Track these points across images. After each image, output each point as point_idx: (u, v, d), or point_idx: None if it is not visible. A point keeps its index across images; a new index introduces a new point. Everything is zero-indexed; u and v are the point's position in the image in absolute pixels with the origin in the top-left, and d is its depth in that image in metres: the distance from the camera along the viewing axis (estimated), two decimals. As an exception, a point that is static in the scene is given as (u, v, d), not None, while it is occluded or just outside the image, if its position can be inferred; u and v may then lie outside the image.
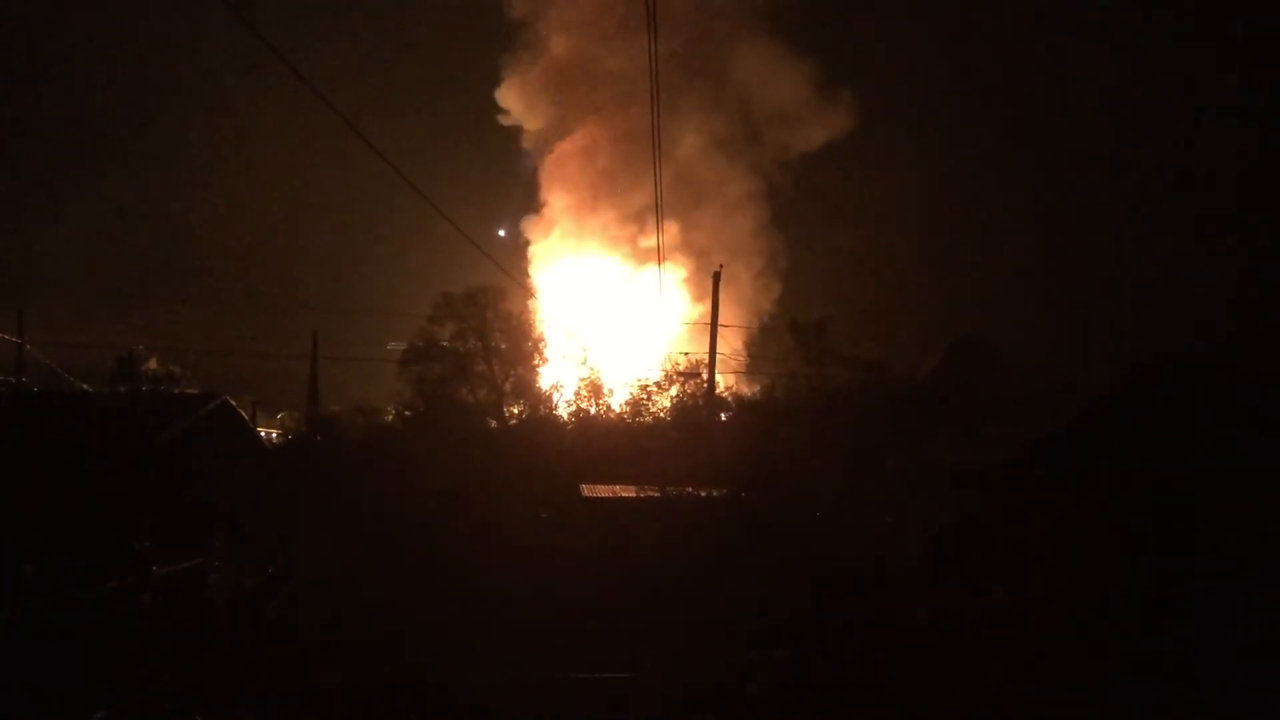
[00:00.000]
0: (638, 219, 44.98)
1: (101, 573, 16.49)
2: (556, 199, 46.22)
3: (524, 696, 13.12)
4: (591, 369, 32.29)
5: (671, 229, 43.88)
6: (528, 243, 46.87)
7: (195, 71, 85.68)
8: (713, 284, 27.70)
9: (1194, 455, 19.28)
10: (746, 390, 32.42)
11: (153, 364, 38.54)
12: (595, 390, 31.19)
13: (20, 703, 11.99)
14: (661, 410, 29.36)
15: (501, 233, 56.70)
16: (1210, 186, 63.83)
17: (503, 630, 15.00)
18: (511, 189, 46.88)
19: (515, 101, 45.75)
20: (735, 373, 32.71)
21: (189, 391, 35.16)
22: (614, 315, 41.50)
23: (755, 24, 45.26)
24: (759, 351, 35.43)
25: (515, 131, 47.41)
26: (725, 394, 30.08)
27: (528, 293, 40.23)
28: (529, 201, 46.95)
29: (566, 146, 46.28)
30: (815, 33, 46.43)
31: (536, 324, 34.97)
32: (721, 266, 28.68)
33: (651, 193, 18.49)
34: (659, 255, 27.18)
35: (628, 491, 22.36)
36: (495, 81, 45.99)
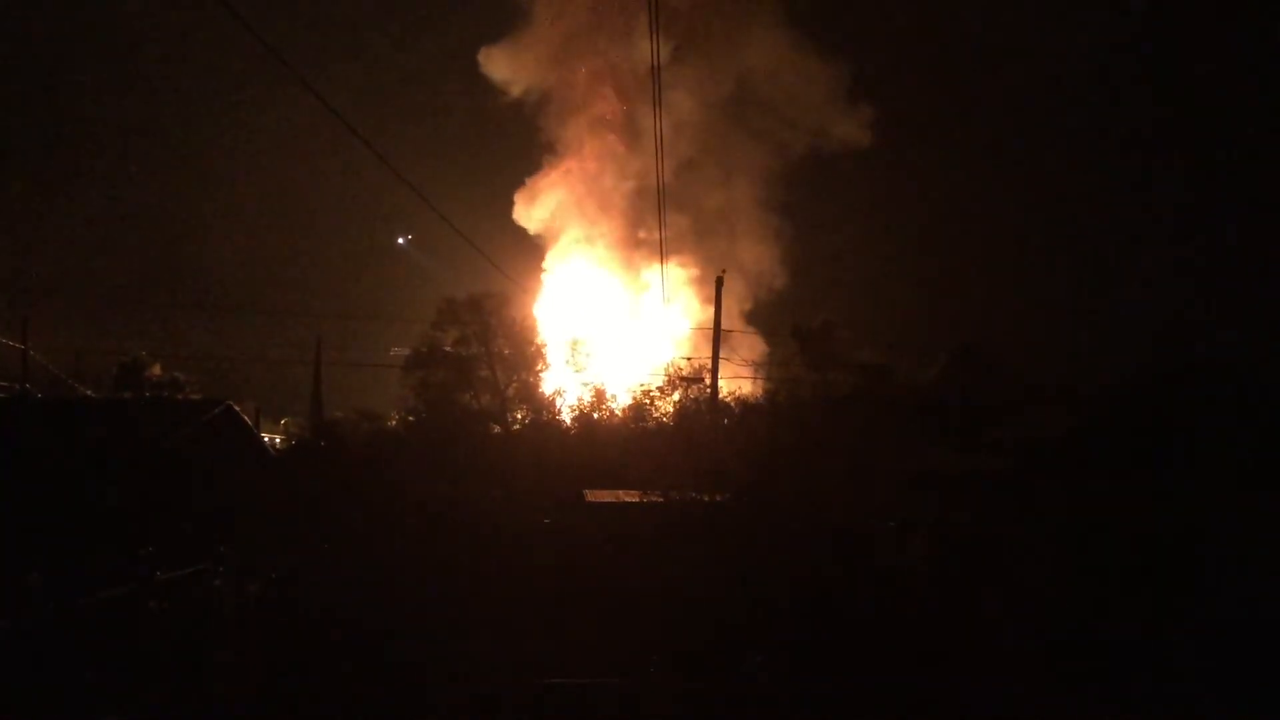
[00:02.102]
0: (640, 218, 44.76)
1: (106, 579, 16.49)
2: (559, 195, 45.92)
3: (528, 702, 13.12)
4: (595, 379, 32.34)
5: (680, 221, 43.60)
6: (539, 238, 46.57)
7: (199, 77, 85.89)
8: (715, 289, 27.70)
9: (1196, 459, 19.27)
10: (750, 385, 32.39)
11: (156, 370, 38.67)
12: (598, 396, 31.23)
13: (28, 710, 12.01)
14: (664, 415, 29.35)
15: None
16: (1215, 189, 63.79)
17: (506, 635, 15.01)
18: (516, 181, 46.22)
19: (515, 78, 45.37)
20: (739, 377, 32.69)
21: (192, 397, 35.25)
22: (617, 317, 41.45)
23: (770, 22, 45.03)
24: (764, 336, 35.39)
25: (523, 131, 47.23)
26: (729, 398, 30.05)
27: (529, 295, 40.26)
28: (533, 198, 46.57)
29: (570, 140, 46.03)
30: (830, 35, 46.18)
31: (539, 328, 35.07)
32: (724, 272, 28.68)
33: (657, 186, 18.63)
34: (661, 255, 27.19)
35: (631, 496, 22.35)
36: (501, 82, 45.85)
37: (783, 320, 40.12)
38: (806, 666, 14.54)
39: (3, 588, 15.91)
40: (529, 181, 45.68)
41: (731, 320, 33.93)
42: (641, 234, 44.57)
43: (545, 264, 45.72)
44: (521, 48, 45.07)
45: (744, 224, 45.18)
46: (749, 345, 36.33)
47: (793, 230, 45.28)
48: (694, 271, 43.39)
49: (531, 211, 45.56)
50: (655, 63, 14.90)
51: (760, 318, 43.47)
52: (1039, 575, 17.29)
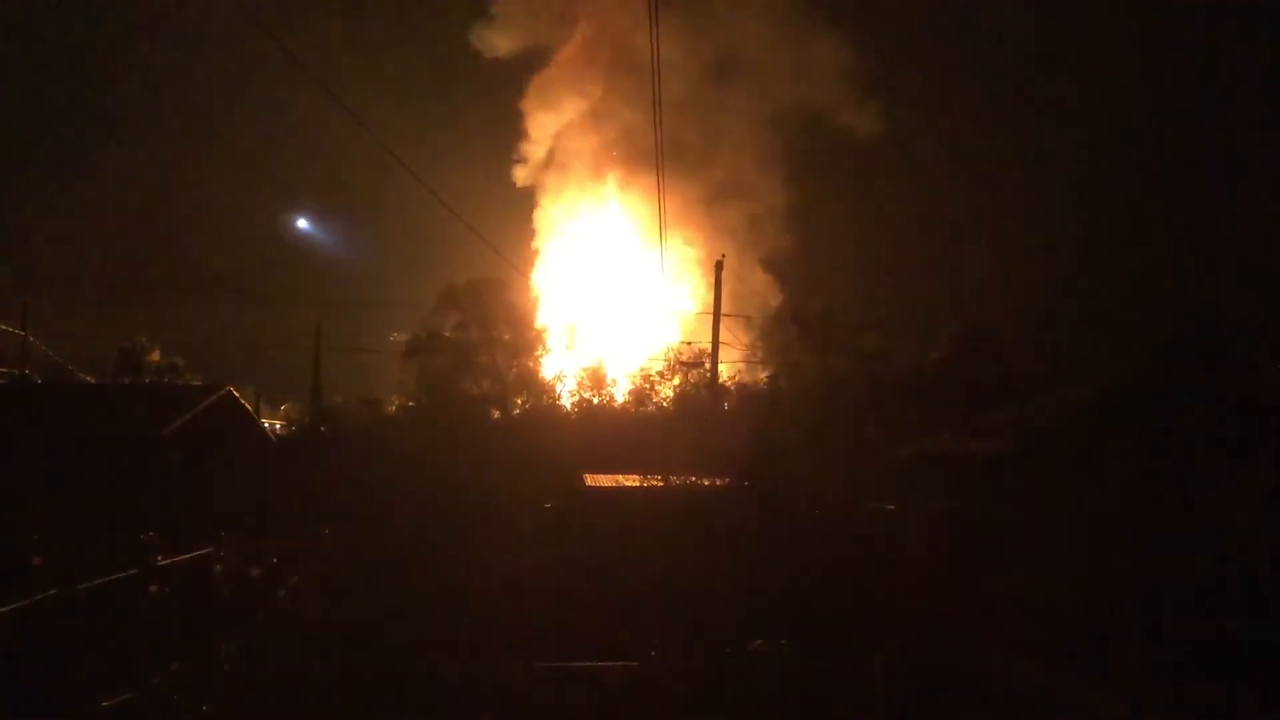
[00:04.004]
0: (637, 187, 44.27)
1: (107, 563, 16.52)
2: (561, 177, 45.53)
3: (528, 687, 13.13)
4: (595, 361, 32.31)
5: (687, 190, 43.14)
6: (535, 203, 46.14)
7: (198, 66, 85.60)
8: (715, 273, 27.62)
9: (1200, 444, 19.22)
10: (747, 369, 32.34)
11: (156, 356, 38.66)
12: (598, 381, 31.21)
13: (30, 692, 12.04)
14: (665, 400, 29.34)
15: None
16: (1218, 174, 63.61)
17: (507, 619, 15.02)
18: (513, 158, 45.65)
19: (506, 46, 44.93)
20: (740, 362, 32.65)
21: (192, 383, 35.27)
22: (618, 296, 41.17)
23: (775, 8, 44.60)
24: (764, 330, 35.30)
25: (517, 102, 46.80)
26: (729, 383, 30.05)
27: (529, 281, 40.03)
28: (527, 168, 46.10)
29: (569, 119, 45.59)
30: (836, 24, 45.71)
31: (538, 311, 34.98)
32: (724, 256, 28.58)
33: (657, 161, 18.27)
34: (661, 234, 26.99)
35: (631, 481, 22.37)
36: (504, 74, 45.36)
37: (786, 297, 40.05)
38: (808, 647, 14.56)
39: (5, 572, 15.93)
40: (522, 150, 45.46)
41: (731, 284, 33.24)
42: (638, 199, 43.94)
43: (542, 241, 45.44)
44: (513, 14, 44.69)
45: (749, 194, 44.63)
46: (755, 313, 36.08)
47: (798, 200, 44.92)
48: (699, 252, 43.05)
49: (527, 178, 45.25)
50: (654, 52, 14.78)
51: (770, 265, 43.15)
52: (1040, 557, 17.30)
